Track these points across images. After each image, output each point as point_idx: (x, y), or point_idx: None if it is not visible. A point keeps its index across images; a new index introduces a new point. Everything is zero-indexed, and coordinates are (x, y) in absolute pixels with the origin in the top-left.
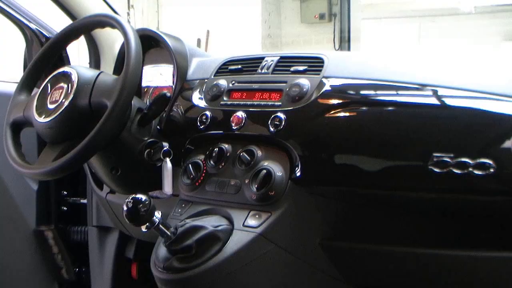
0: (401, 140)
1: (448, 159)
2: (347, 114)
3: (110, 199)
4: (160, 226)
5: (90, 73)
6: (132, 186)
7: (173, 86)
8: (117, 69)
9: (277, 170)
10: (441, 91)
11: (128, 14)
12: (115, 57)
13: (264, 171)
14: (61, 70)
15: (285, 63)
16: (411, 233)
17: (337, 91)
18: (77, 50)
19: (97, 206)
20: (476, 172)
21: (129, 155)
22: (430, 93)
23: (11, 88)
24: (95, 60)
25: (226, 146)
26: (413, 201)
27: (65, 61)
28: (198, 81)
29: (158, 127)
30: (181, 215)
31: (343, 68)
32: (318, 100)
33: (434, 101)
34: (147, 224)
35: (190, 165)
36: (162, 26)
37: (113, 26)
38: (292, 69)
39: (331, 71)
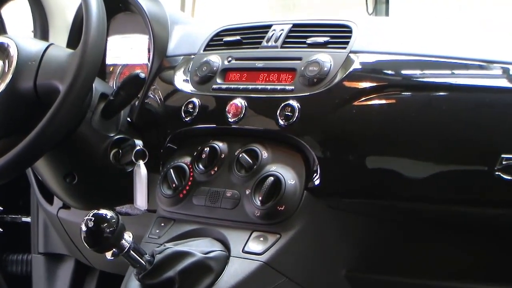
0: (457, 136)
1: None
2: (383, 101)
3: (63, 217)
4: (131, 252)
5: (35, 45)
6: (93, 199)
7: (149, 64)
8: (72, 41)
9: (289, 177)
10: None
11: None
12: (69, 25)
13: (271, 178)
14: None
15: (300, 33)
16: (469, 263)
17: (369, 70)
18: (16, 14)
19: (44, 227)
20: None
21: (90, 157)
22: (499, 72)
23: None
24: (42, 28)
25: (220, 144)
26: (473, 220)
27: None
28: (182, 57)
29: (128, 119)
30: (159, 238)
31: (378, 39)
32: (343, 83)
33: (504, 83)
34: (114, 250)
35: (171, 171)
36: None
37: None
38: (309, 41)
39: (362, 43)
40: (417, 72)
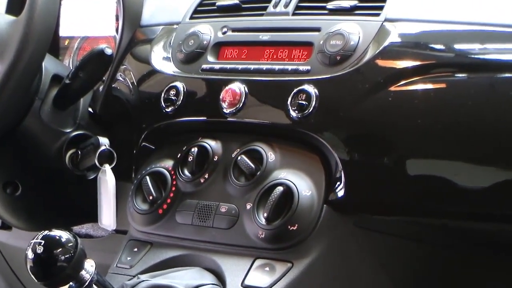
0: None
1: None
2: (429, 85)
3: (2, 240)
4: (94, 287)
5: None
6: (43, 216)
7: (117, 37)
8: (14, 5)
9: (303, 187)
10: None
11: None
12: None
13: (280, 188)
14: None
15: None
16: None
17: (411, 44)
18: None
19: None
20: None
21: (38, 160)
22: None
23: None
24: None
25: (212, 143)
26: None
27: None
28: (162, 27)
29: (90, 110)
30: (131, 267)
31: (422, 2)
32: (376, 62)
33: None
34: (71, 283)
35: (148, 178)
36: None
37: None
38: (330, 5)
39: (401, 8)
40: (476, 46)
